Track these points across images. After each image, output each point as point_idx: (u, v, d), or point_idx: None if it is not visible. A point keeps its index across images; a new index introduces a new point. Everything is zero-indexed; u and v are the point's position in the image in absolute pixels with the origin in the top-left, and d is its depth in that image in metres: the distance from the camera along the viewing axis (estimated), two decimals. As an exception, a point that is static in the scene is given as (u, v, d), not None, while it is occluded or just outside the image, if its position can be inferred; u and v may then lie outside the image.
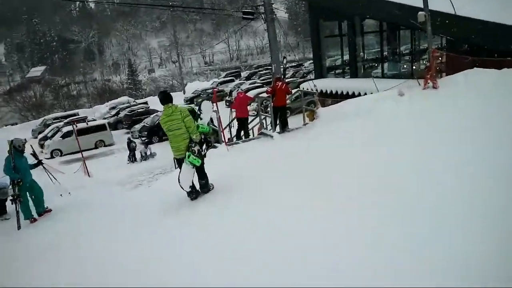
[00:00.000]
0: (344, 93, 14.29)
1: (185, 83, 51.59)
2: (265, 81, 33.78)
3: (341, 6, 15.16)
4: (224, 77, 44.93)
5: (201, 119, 6.40)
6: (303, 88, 16.05)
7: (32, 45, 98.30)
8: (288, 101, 10.57)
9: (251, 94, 27.46)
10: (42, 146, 22.82)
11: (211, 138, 7.49)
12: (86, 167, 11.52)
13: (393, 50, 15.77)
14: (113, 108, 30.51)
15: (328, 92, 15.03)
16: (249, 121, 10.95)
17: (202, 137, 6.09)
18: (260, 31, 74.13)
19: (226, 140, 7.58)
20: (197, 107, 7.95)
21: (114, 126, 25.73)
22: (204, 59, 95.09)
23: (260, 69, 44.48)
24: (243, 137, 9.75)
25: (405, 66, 15.27)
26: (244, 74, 46.66)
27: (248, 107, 23.21)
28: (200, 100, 32.87)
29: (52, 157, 21.24)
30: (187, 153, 5.68)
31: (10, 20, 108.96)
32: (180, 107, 5.84)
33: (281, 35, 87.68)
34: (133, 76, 73.04)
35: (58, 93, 66.16)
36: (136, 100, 33.36)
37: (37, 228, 6.71)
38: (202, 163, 5.90)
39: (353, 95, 13.69)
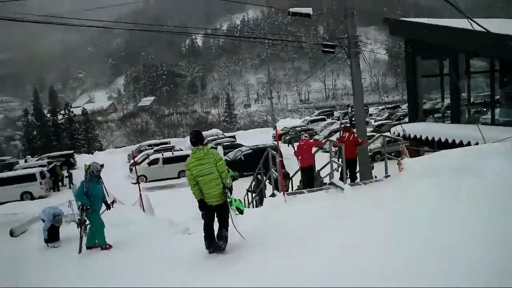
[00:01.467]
0: (443, 140, 12.25)
1: (277, 120, 51.87)
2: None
3: (443, 41, 13.36)
4: (316, 115, 44.02)
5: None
6: (393, 133, 14.32)
7: (146, 78, 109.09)
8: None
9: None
10: (131, 170, 23.99)
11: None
12: (142, 200, 10.94)
13: (508, 92, 13.35)
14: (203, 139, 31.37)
15: (423, 138, 13.09)
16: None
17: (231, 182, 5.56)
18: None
19: (284, 189, 6.56)
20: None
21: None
22: (300, 97, 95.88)
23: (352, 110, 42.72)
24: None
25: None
26: (337, 113, 45.28)
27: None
28: (288, 137, 32.42)
29: (138, 182, 22.07)
30: (232, 199, 5.16)
31: (131, 56, 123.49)
32: (211, 149, 5.31)
33: (379, 75, 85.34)
34: (229, 109, 76.44)
35: (161, 122, 71.95)
36: (225, 133, 34.01)
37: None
38: (227, 212, 5.43)
39: (453, 144, 11.65)
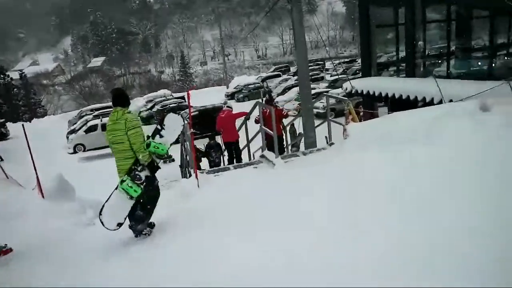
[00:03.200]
0: (397, 96, 11.24)
1: (231, 77, 49.88)
2: (312, 76, 30.92)
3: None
4: (271, 72, 42.45)
5: (161, 136, 4.57)
6: (344, 89, 13.16)
7: (95, 37, 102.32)
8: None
9: (293, 91, 25.08)
10: (68, 139, 21.86)
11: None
12: (40, 185, 8.33)
13: (464, 43, 12.43)
14: (150, 101, 29.23)
15: (376, 94, 12.04)
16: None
17: (156, 159, 4.42)
18: (315, 26, 70.85)
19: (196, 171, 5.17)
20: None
21: (147, 120, 24.31)
22: (257, 53, 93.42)
23: (310, 64, 41.38)
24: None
25: (479, 63, 11.90)
26: (293, 69, 43.87)
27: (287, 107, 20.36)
28: (241, 95, 30.82)
29: (75, 152, 20.14)
30: (124, 177, 4.23)
31: (77, 14, 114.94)
32: (129, 114, 4.30)
33: (337, 29, 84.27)
34: (185, 68, 73.48)
35: (113, 83, 67.96)
36: (173, 94, 31.91)
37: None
38: (153, 196, 4.45)
39: (408, 100, 10.67)
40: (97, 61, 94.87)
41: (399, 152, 3.89)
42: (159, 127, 4.66)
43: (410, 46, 12.82)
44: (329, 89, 24.07)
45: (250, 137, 8.07)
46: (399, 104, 11.30)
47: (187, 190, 4.93)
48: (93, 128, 20.31)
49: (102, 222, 4.24)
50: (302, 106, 8.22)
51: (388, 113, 13.61)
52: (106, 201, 4.30)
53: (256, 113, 7.14)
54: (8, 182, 9.30)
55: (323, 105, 17.15)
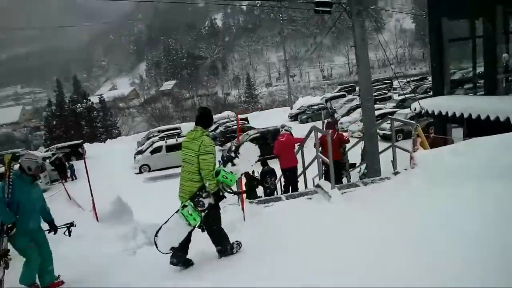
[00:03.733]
0: (474, 116, 10.03)
1: (296, 98, 49.59)
2: (379, 96, 29.61)
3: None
4: (336, 92, 41.49)
5: (233, 164, 4.23)
6: (413, 110, 12.10)
7: (167, 62, 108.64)
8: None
9: (358, 112, 24.00)
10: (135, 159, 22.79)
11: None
12: (95, 208, 8.00)
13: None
14: (214, 123, 29.72)
15: (450, 114, 10.87)
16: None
17: (222, 189, 4.08)
18: (383, 44, 68.63)
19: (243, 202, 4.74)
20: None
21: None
22: (323, 73, 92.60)
23: (377, 83, 39.88)
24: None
25: None
26: (358, 89, 42.52)
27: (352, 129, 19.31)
28: (304, 116, 30.27)
29: (140, 172, 20.86)
30: (187, 202, 3.98)
31: (152, 41, 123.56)
32: (206, 137, 4.04)
33: (406, 47, 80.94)
34: (250, 90, 74.77)
35: (181, 105, 71.14)
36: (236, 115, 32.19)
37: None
38: (214, 223, 4.16)
39: (488, 121, 9.46)
40: (168, 85, 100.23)
41: (479, 191, 3.14)
42: (233, 154, 4.38)
43: (490, 60, 11.51)
44: (397, 109, 22.71)
45: (306, 164, 7.49)
46: (477, 126, 10.07)
47: (232, 222, 4.51)
48: (158, 150, 20.96)
49: (156, 244, 4.04)
50: (364, 131, 7.53)
51: (465, 138, 12.31)
52: (164, 223, 4.09)
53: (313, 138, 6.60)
54: (69, 203, 9.68)
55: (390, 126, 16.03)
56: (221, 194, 4.12)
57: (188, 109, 69.20)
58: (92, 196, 7.54)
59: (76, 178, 22.07)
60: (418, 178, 4.13)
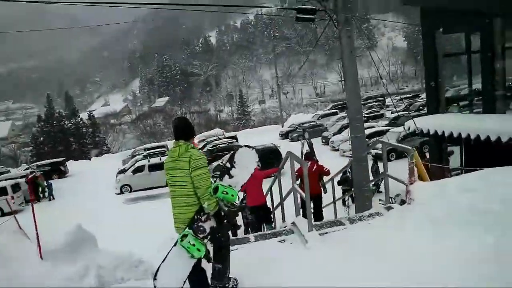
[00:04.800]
0: (472, 136, 9.24)
1: (288, 115, 49.01)
2: (370, 114, 29.04)
3: (472, 4, 10.26)
4: (328, 109, 40.92)
5: (230, 176, 3.77)
6: (407, 129, 11.30)
7: (160, 79, 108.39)
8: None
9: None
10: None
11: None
12: (39, 244, 6.13)
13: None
14: (202, 140, 28.82)
15: (446, 134, 10.07)
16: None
17: (224, 207, 3.46)
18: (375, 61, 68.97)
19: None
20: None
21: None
22: (316, 91, 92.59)
23: (369, 100, 39.40)
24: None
25: None
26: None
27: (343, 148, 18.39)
28: (295, 135, 29.49)
29: (121, 192, 19.78)
30: (184, 231, 3.31)
31: (146, 58, 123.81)
32: (194, 150, 3.40)
33: (398, 64, 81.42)
34: (243, 107, 74.19)
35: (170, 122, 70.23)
36: (225, 133, 31.38)
37: None
38: (222, 246, 3.56)
39: (488, 142, 8.66)
40: (161, 101, 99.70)
41: (498, 239, 2.26)
42: (228, 165, 3.87)
43: (488, 76, 10.80)
44: (389, 128, 22.01)
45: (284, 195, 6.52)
46: (476, 146, 9.28)
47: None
48: (140, 169, 19.94)
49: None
50: (353, 155, 6.66)
51: (464, 157, 11.50)
52: (163, 261, 3.31)
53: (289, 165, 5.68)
54: (17, 235, 8.60)
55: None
56: (223, 213, 3.49)
57: (179, 126, 68.46)
58: (36, 226, 6.47)
59: (53, 199, 20.93)
60: (416, 217, 3.25)
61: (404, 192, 5.16)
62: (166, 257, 3.37)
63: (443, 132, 9.94)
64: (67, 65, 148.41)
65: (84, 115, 56.53)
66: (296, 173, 5.18)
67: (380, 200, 11.75)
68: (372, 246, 3.28)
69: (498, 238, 2.36)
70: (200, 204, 3.35)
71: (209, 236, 3.39)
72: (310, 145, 8.35)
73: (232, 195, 3.46)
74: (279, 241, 4.12)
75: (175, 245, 3.38)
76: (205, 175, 3.32)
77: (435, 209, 3.15)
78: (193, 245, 3.24)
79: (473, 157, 10.40)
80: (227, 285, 3.63)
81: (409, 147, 4.12)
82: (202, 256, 3.33)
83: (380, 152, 16.43)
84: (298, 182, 5.70)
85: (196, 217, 3.34)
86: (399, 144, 4.52)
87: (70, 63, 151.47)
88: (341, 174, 9.89)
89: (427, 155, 13.09)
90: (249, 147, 4.31)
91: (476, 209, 2.75)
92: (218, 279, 3.58)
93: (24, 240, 8.07)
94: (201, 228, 3.32)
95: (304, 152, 8.03)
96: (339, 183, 12.86)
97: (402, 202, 8.54)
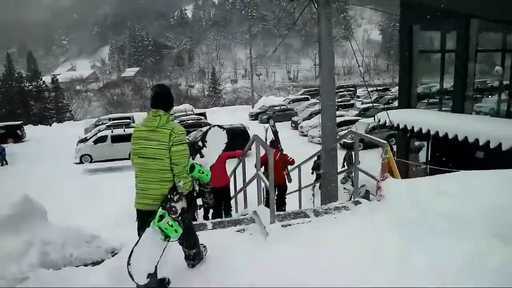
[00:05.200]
0: (441, 134, 9.31)
1: (259, 97, 48.65)
2: (342, 103, 29.24)
3: (449, 4, 10.20)
4: (300, 94, 40.88)
5: (201, 156, 3.64)
6: (377, 120, 11.28)
7: (132, 48, 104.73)
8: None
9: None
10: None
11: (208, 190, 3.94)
12: None
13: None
14: (171, 115, 28.03)
15: (415, 129, 10.13)
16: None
17: (196, 188, 3.38)
18: (349, 52, 69.48)
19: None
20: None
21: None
22: (289, 75, 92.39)
23: (341, 89, 39.63)
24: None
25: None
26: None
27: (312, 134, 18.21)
28: (264, 117, 29.25)
29: (81, 162, 18.95)
30: (160, 211, 3.01)
31: (118, 25, 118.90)
32: (175, 124, 3.18)
33: (371, 57, 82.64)
34: (214, 84, 73.08)
35: (141, 94, 68.25)
36: (194, 109, 30.70)
37: None
38: (189, 221, 3.41)
39: (456, 140, 8.74)
40: (130, 71, 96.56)
41: (473, 251, 2.07)
42: (200, 143, 3.75)
43: (460, 76, 10.88)
44: (359, 118, 22.17)
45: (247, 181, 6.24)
46: (443, 144, 9.36)
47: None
48: (102, 139, 19.15)
49: (131, 275, 2.94)
50: (322, 145, 6.43)
51: (430, 153, 11.63)
52: (135, 245, 3.03)
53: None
54: None
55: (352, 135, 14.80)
56: (195, 194, 3.37)
57: (148, 98, 66.57)
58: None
59: (6, 164, 19.78)
60: (385, 219, 3.06)
61: (368, 182, 5.03)
62: (139, 240, 3.10)
63: (413, 127, 9.98)
64: (31, 23, 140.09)
65: (47, 79, 53.68)
66: (260, 160, 4.91)
67: (345, 189, 11.74)
68: (336, 245, 3.07)
69: (473, 250, 2.18)
70: (173, 182, 3.11)
71: (179, 218, 3.15)
72: (275, 133, 8.11)
73: (207, 175, 3.30)
74: (238, 231, 3.85)
75: (147, 226, 3.07)
76: (185, 152, 3.11)
77: (406, 211, 2.97)
78: (171, 225, 3.01)
79: (439, 154, 10.53)
80: (203, 254, 3.55)
81: (383, 141, 3.93)
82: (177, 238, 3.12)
83: (349, 141, 16.50)
84: (262, 169, 5.44)
85: (169, 196, 3.10)
86: (373, 137, 4.29)
87: (36, 21, 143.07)
88: (314, 159, 9.69)
89: (394, 147, 13.19)
90: (220, 127, 4.12)
91: (451, 215, 2.57)
92: (197, 259, 3.47)
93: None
94: (173, 209, 3.09)
95: (269, 139, 7.80)
96: (313, 168, 12.69)
97: (366, 194, 8.35)
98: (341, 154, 13.63)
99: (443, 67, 12.48)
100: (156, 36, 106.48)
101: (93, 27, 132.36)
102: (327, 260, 2.88)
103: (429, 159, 11.39)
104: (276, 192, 6.98)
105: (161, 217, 3.02)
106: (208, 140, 3.76)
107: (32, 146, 25.16)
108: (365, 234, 3.08)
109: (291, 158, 7.39)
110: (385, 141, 3.97)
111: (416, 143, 11.94)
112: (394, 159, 4.24)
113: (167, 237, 3.03)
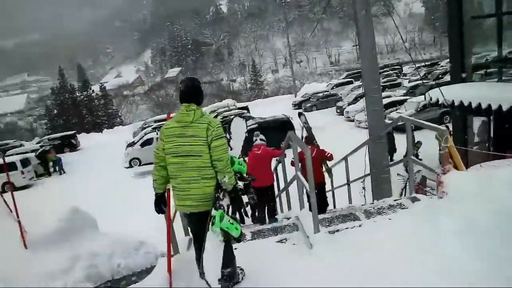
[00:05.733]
0: (505, 108, 8.35)
1: (302, 85, 47.76)
2: (388, 82, 27.84)
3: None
4: (343, 78, 39.54)
5: (230, 148, 3.54)
6: (429, 99, 10.37)
7: (172, 49, 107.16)
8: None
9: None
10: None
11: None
12: (22, 233, 5.68)
13: None
14: (214, 111, 28.11)
15: (474, 105, 9.17)
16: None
17: (239, 183, 3.22)
18: (391, 28, 66.28)
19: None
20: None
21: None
22: (330, 59, 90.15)
23: (386, 69, 37.78)
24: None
25: None
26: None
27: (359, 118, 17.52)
28: (308, 104, 28.54)
29: (131, 166, 19.44)
30: (216, 212, 2.81)
31: (157, 28, 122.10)
32: (208, 117, 3.00)
33: (415, 31, 78.60)
34: (256, 76, 72.91)
35: (184, 93, 69.44)
36: (236, 104, 30.55)
37: None
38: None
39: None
40: (173, 72, 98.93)
41: None
42: (228, 135, 3.46)
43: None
44: (408, 97, 20.90)
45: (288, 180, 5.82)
46: (508, 119, 8.40)
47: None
48: (148, 142, 19.51)
49: (208, 284, 2.86)
50: (369, 132, 5.87)
51: (492, 131, 10.55)
52: (202, 252, 2.93)
53: (290, 150, 4.96)
54: (7, 218, 8.15)
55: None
56: (238, 188, 3.12)
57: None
58: (17, 214, 5.92)
59: (64, 173, 20.76)
60: (451, 223, 2.55)
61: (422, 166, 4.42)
62: (203, 248, 2.94)
63: (470, 102, 9.04)
64: (75, 37, 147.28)
65: (96, 87, 56.26)
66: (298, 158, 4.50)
67: (398, 174, 10.86)
68: (394, 256, 2.60)
69: None
70: (216, 179, 2.91)
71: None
72: (308, 129, 7.61)
73: (244, 166, 3.26)
74: (280, 241, 3.48)
75: (206, 230, 2.87)
76: (226, 146, 2.95)
77: (477, 213, 2.44)
78: (232, 224, 2.85)
79: (503, 131, 9.52)
80: (240, 279, 3.21)
81: (442, 127, 3.36)
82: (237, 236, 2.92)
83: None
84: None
85: (216, 195, 2.91)
86: (428, 123, 3.65)
87: (80, 33, 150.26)
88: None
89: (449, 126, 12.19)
90: (240, 116, 3.88)
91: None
92: (231, 281, 3.09)
93: (13, 222, 7.53)
94: (222, 207, 2.88)
95: (304, 136, 7.33)
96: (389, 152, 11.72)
97: (423, 180, 7.56)
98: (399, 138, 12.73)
99: (501, 32, 11.24)
100: (194, 34, 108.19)
101: (133, 32, 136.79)
102: (381, 275, 2.44)
103: (491, 137, 10.36)
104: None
105: (221, 218, 2.84)
106: (233, 132, 3.67)
107: (86, 154, 26.29)
108: (426, 242, 2.59)
109: (329, 153, 6.82)
110: (443, 127, 3.41)
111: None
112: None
113: (226, 238, 2.87)
